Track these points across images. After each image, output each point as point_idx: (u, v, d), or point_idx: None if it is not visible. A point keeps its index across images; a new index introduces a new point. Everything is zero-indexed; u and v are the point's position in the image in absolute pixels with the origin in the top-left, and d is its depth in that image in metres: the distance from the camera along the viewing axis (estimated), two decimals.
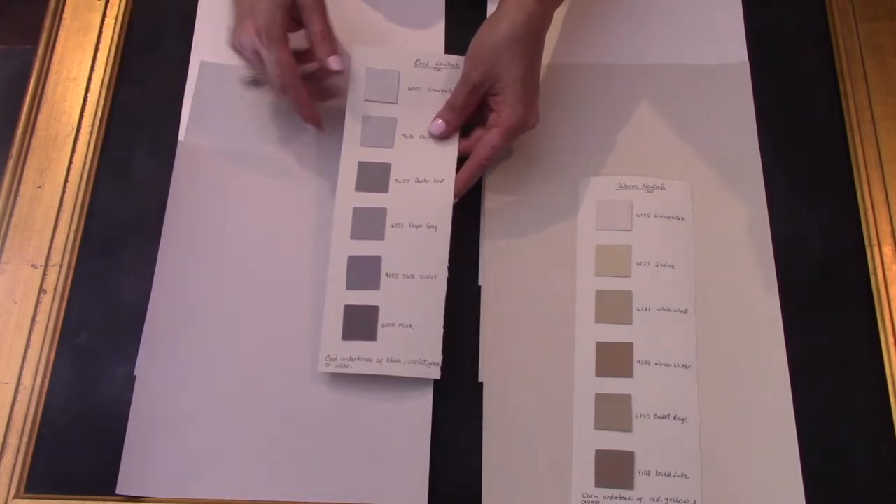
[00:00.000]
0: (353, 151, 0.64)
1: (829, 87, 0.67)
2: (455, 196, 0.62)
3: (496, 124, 0.60)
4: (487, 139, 0.61)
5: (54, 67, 0.70)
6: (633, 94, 0.67)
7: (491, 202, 0.64)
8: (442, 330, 0.59)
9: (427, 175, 0.62)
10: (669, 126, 0.66)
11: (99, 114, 0.68)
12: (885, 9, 0.69)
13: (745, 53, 0.68)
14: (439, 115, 0.63)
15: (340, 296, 0.60)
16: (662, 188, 0.64)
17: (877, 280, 0.60)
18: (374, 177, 0.63)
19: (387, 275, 0.60)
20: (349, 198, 0.62)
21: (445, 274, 0.60)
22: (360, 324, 0.59)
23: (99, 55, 0.71)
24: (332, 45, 0.62)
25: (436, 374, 0.58)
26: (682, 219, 0.63)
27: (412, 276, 0.60)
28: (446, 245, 0.60)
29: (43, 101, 0.69)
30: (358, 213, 0.62)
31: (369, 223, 0.62)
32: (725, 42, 0.69)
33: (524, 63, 0.59)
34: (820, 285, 0.61)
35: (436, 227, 0.61)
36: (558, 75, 0.68)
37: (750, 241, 0.62)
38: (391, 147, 0.64)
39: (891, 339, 0.59)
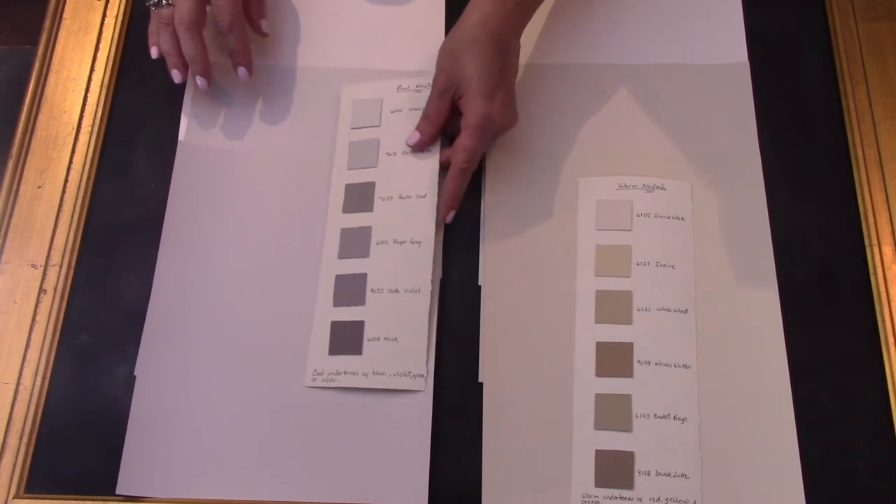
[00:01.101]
0: (341, 175, 0.65)
1: (829, 87, 0.67)
2: (445, 211, 0.62)
3: (464, 125, 0.61)
4: (458, 142, 0.61)
5: (54, 67, 0.70)
6: (634, 94, 0.67)
7: (490, 201, 0.64)
8: (425, 342, 0.59)
9: (410, 191, 0.63)
10: (669, 126, 0.66)
11: (99, 114, 0.69)
12: (885, 9, 0.69)
13: (745, 53, 0.68)
14: (416, 127, 0.64)
15: (327, 313, 0.61)
16: (662, 188, 0.64)
17: (877, 280, 0.60)
18: (359, 197, 0.64)
19: (372, 290, 0.61)
20: (337, 220, 0.64)
21: (429, 287, 0.60)
22: (346, 339, 0.60)
23: (99, 55, 0.71)
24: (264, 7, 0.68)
25: (420, 385, 0.59)
26: (682, 219, 0.63)
27: (396, 291, 0.61)
28: (430, 259, 0.61)
29: (43, 101, 0.69)
30: (345, 233, 0.63)
31: (355, 242, 0.63)
32: (725, 42, 0.69)
33: (482, 61, 0.60)
34: (820, 285, 0.61)
35: (419, 242, 0.62)
36: (558, 75, 0.68)
37: (750, 241, 0.62)
38: (375, 166, 0.65)
39: (891, 339, 0.59)
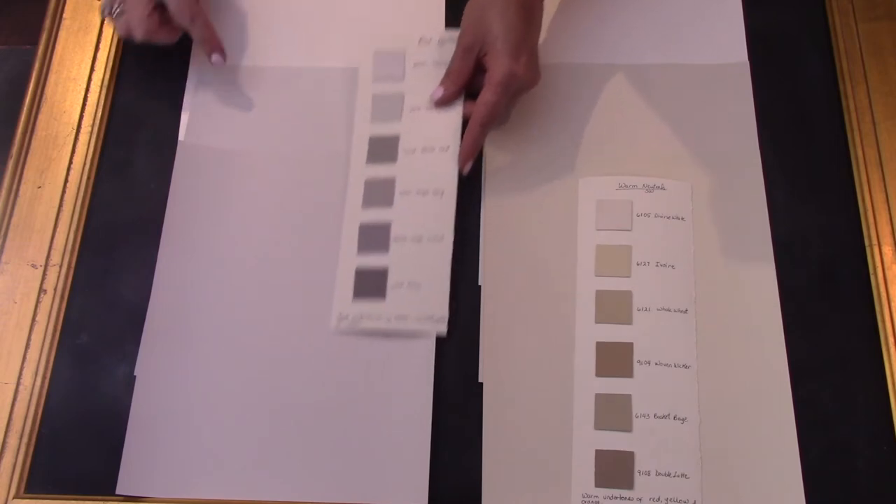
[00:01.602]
0: (365, 127, 0.67)
1: (829, 87, 0.67)
2: (463, 162, 0.64)
3: (487, 81, 0.62)
4: (480, 97, 0.62)
5: (54, 67, 0.70)
6: (634, 94, 0.67)
7: (490, 201, 0.64)
8: (448, 288, 0.61)
9: (433, 144, 0.65)
10: (669, 126, 0.66)
11: (99, 114, 0.68)
12: (885, 9, 0.69)
13: (745, 53, 0.68)
14: (440, 83, 0.65)
15: (351, 260, 0.63)
16: (662, 188, 0.64)
17: (877, 280, 0.60)
18: (383, 149, 0.66)
19: (395, 239, 0.62)
20: (361, 171, 0.65)
21: (451, 236, 0.62)
22: (370, 284, 0.62)
23: (99, 55, 0.71)
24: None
25: (442, 328, 0.60)
26: (682, 219, 0.63)
27: (420, 239, 0.62)
28: (452, 209, 0.63)
29: (43, 101, 0.69)
30: (369, 184, 0.64)
31: (379, 193, 0.64)
32: (725, 42, 0.69)
33: (506, 19, 0.61)
34: (820, 285, 0.61)
35: (442, 193, 0.63)
36: (559, 75, 0.68)
37: (750, 241, 0.62)
38: (400, 120, 0.66)
39: (891, 339, 0.59)
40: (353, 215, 0.64)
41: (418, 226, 0.63)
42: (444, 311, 0.60)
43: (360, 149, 0.66)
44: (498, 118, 0.63)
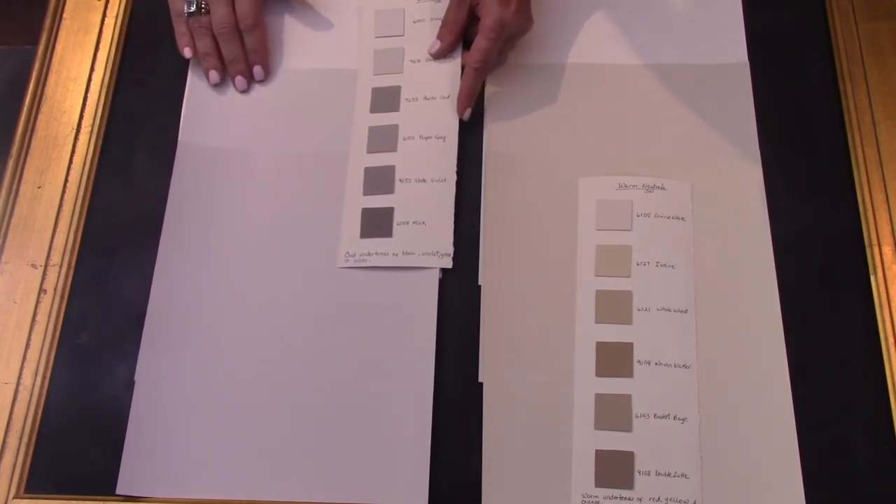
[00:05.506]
0: (367, 79, 0.69)
1: (829, 87, 0.67)
2: (461, 109, 0.66)
3: (480, 28, 0.65)
4: (474, 44, 0.65)
5: (54, 67, 0.70)
6: (633, 94, 0.67)
7: (490, 201, 0.64)
8: (452, 225, 0.63)
9: (434, 93, 0.67)
10: (669, 126, 0.66)
11: (99, 114, 0.69)
12: (885, 9, 0.69)
13: (745, 53, 0.68)
14: (436, 36, 0.68)
15: (357, 201, 0.65)
16: (662, 188, 0.64)
17: (877, 280, 0.60)
18: (386, 99, 0.68)
19: (400, 180, 0.65)
20: (364, 119, 0.67)
21: (454, 178, 0.64)
22: (377, 223, 0.64)
23: (99, 55, 0.71)
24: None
25: (448, 263, 0.62)
26: (682, 219, 0.63)
27: (424, 181, 0.64)
28: (454, 152, 0.65)
29: (43, 101, 0.69)
30: (373, 131, 0.66)
31: (383, 138, 0.66)
32: (725, 42, 0.69)
33: None
34: (820, 285, 0.61)
35: (444, 138, 0.66)
36: (559, 75, 0.68)
37: (750, 241, 0.62)
38: (401, 72, 0.68)
39: (891, 339, 0.59)
40: (358, 160, 0.66)
41: (422, 168, 0.65)
42: (448, 247, 0.62)
43: (364, 99, 0.68)
44: (492, 63, 0.66)
